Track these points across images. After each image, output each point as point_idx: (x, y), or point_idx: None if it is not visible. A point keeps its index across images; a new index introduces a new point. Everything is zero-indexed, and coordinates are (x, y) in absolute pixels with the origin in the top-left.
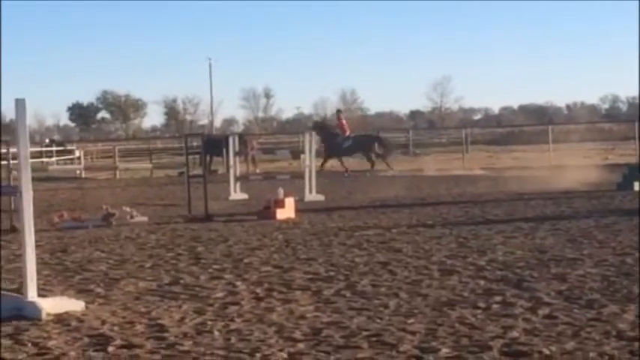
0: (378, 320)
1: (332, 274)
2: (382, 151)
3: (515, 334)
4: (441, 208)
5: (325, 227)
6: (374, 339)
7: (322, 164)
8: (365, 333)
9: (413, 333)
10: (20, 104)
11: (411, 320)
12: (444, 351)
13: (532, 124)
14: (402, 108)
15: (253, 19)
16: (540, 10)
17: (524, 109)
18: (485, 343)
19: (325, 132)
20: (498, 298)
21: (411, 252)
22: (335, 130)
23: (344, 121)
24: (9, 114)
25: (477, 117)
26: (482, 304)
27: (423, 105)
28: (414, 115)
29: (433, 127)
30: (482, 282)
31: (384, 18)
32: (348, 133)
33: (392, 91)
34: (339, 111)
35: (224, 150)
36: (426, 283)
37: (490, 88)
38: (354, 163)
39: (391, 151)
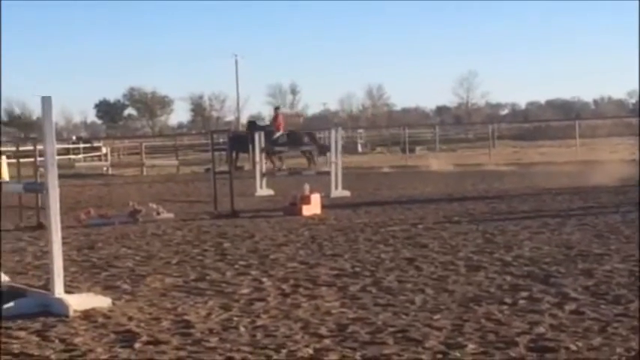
0: (404, 316)
1: (358, 270)
2: (312, 148)
3: (541, 329)
4: (467, 203)
5: (351, 223)
6: (400, 335)
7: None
8: (391, 329)
9: (439, 329)
10: (46, 101)
11: (437, 316)
12: (470, 347)
13: (559, 119)
14: (429, 103)
15: (279, 14)
16: (568, 4)
17: (551, 104)
18: (511, 338)
19: (258, 130)
20: (525, 294)
21: (438, 248)
22: (269, 127)
23: (280, 119)
24: (36, 111)
25: (504, 112)
26: (508, 300)
27: (450, 100)
28: (441, 110)
29: (460, 123)
30: (508, 278)
31: (410, 13)
32: (281, 131)
33: (418, 86)
34: (277, 108)
35: (250, 146)
36: (453, 278)
37: (517, 83)
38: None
39: (324, 150)
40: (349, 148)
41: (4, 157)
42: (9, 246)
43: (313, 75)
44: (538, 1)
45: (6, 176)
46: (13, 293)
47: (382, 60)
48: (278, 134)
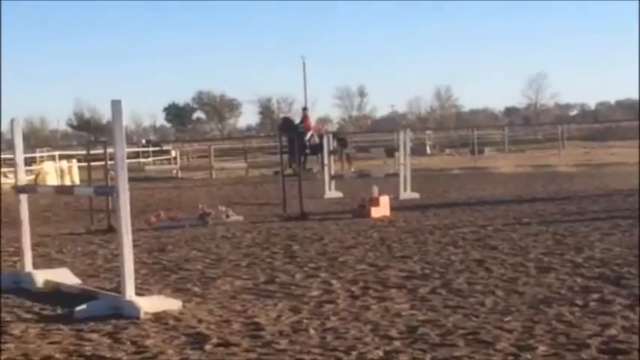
0: (474, 318)
1: (427, 272)
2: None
3: (613, 331)
4: (537, 205)
5: (420, 225)
6: (470, 337)
7: (290, 166)
8: (461, 331)
9: (509, 331)
10: (116, 105)
11: (508, 318)
12: (541, 349)
13: (629, 120)
14: (497, 105)
15: (347, 17)
16: (636, 5)
17: (621, 105)
18: (582, 341)
19: (291, 129)
20: (596, 296)
21: (507, 249)
22: (301, 128)
23: (310, 120)
24: (106, 115)
25: (573, 113)
26: (579, 302)
27: (519, 102)
28: (509, 111)
29: (528, 124)
30: (579, 279)
31: (478, 14)
32: (311, 132)
33: (487, 87)
34: (305, 109)
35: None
36: (523, 280)
37: (586, 83)
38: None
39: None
40: (418, 150)
41: (74, 161)
42: (80, 249)
43: (381, 77)
44: (607, 0)
45: (77, 180)
46: (85, 296)
47: (451, 61)
48: (309, 135)
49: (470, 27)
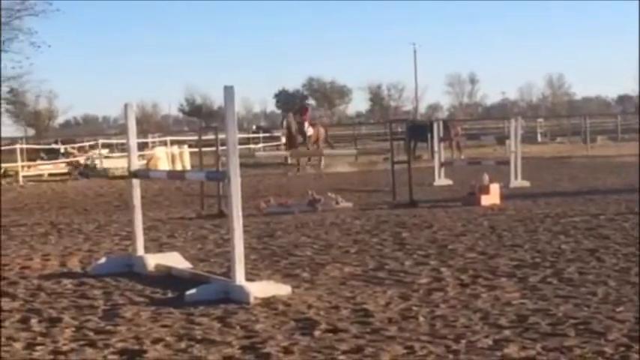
0: (586, 308)
1: (538, 260)
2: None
3: None
4: None
5: (531, 214)
6: (581, 327)
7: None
8: (572, 321)
9: (621, 321)
10: (229, 91)
11: (620, 308)
12: None
13: None
14: (610, 92)
15: (457, 3)
16: None
17: None
18: None
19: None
20: None
21: (620, 239)
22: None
23: (309, 113)
24: (217, 101)
25: None
26: None
27: (632, 89)
28: (622, 99)
29: None
30: None
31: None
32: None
33: (599, 75)
34: (306, 102)
35: (428, 136)
36: (635, 270)
37: None
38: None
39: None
40: (529, 138)
41: (185, 146)
42: (191, 234)
43: (493, 64)
44: None
45: (188, 165)
46: (196, 280)
47: (563, 48)
48: (306, 126)
49: (583, 14)
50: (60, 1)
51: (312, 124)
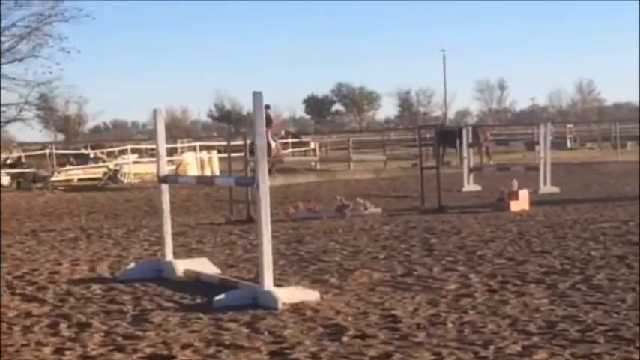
0: (615, 315)
1: (567, 267)
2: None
3: None
4: None
5: (560, 219)
6: (610, 333)
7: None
8: (601, 327)
9: None
10: (257, 97)
11: None
12: None
13: None
14: None
15: (486, 10)
16: None
17: None
18: None
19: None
20: None
21: None
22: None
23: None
24: (246, 106)
25: None
26: None
27: None
28: None
29: None
30: None
31: (620, 7)
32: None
33: (630, 81)
34: (267, 106)
35: (457, 142)
36: None
37: None
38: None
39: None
40: (558, 144)
41: (214, 152)
42: (220, 239)
43: (522, 69)
44: None
45: (217, 170)
46: (224, 285)
47: (593, 54)
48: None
49: (613, 18)
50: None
51: (275, 137)
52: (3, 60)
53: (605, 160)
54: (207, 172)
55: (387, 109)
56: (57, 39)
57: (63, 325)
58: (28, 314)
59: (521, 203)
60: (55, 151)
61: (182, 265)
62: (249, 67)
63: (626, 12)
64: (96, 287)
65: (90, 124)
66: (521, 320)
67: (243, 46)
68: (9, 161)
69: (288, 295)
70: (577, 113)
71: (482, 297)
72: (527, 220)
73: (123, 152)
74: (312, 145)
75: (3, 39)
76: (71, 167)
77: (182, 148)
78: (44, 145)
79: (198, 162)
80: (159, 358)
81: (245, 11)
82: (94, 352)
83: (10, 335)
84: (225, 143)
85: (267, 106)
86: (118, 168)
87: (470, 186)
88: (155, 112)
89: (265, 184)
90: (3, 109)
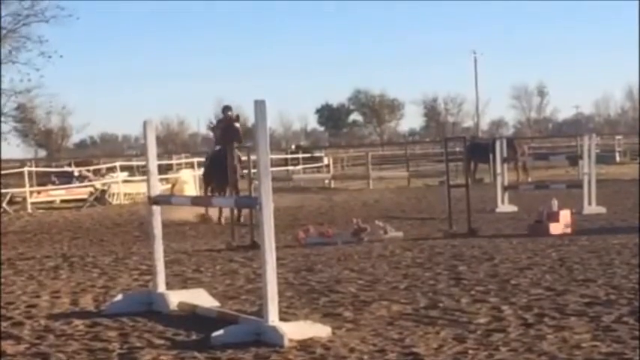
0: None
1: (613, 297)
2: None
3: None
4: None
5: (606, 244)
6: None
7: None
8: None
9: None
10: (260, 106)
11: None
12: None
13: None
14: None
15: (523, 7)
16: None
17: None
18: None
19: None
20: None
21: None
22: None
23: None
24: (251, 118)
25: None
26: None
27: None
28: None
29: None
30: None
31: None
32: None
33: None
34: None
35: (490, 156)
36: None
37: None
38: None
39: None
40: (605, 158)
41: None
42: (219, 267)
43: (564, 74)
44: None
45: None
46: (223, 320)
47: None
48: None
49: None
50: (73, 6)
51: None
52: None
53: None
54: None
55: (411, 120)
56: (36, 42)
57: None
58: (1, 354)
59: (562, 225)
60: (34, 169)
61: (176, 298)
62: (254, 71)
63: None
64: (78, 323)
65: (75, 138)
66: (559, 358)
67: (247, 48)
68: None
69: (295, 330)
70: (627, 123)
71: (515, 332)
72: (569, 245)
73: (111, 170)
74: (325, 161)
75: None
76: (53, 187)
77: (178, 164)
78: (22, 162)
79: (196, 180)
80: None
81: (247, 10)
82: None
83: None
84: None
85: (228, 108)
86: (105, 188)
87: (504, 206)
88: (145, 123)
89: (269, 204)
90: None
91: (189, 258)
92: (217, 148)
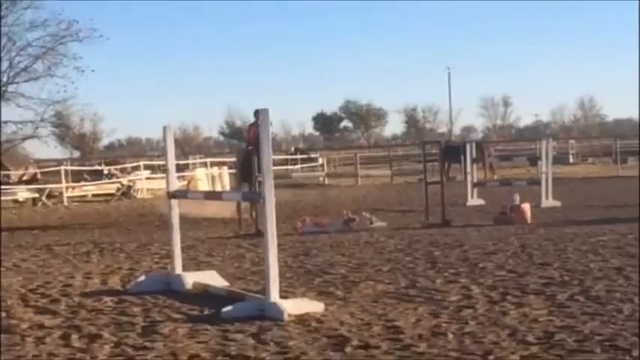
0: (612, 325)
1: (566, 278)
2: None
3: None
4: None
5: (561, 233)
6: (607, 344)
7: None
8: (598, 337)
9: None
10: (264, 114)
11: None
12: None
13: None
14: None
15: (490, 27)
16: None
17: None
18: None
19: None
20: None
21: None
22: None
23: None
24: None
25: None
26: None
27: None
28: None
29: None
30: None
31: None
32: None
33: (631, 97)
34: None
35: (462, 157)
36: None
37: None
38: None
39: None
40: (560, 159)
41: (225, 168)
42: (228, 252)
43: (525, 86)
44: None
45: (227, 186)
46: (232, 297)
47: (595, 71)
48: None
49: (614, 36)
50: (103, 27)
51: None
52: (19, 79)
53: (606, 174)
54: (218, 188)
55: (393, 126)
56: (71, 58)
57: (74, 337)
58: (41, 326)
59: (523, 217)
60: (70, 168)
61: (191, 278)
62: (260, 85)
63: (627, 30)
64: (107, 299)
65: (104, 141)
66: (520, 331)
67: (253, 63)
68: (25, 177)
69: (294, 306)
70: (579, 129)
71: (483, 308)
72: (529, 234)
73: (136, 168)
74: (320, 161)
75: (19, 58)
76: (86, 183)
77: (194, 164)
78: (59, 162)
79: (209, 178)
80: None
81: (256, 29)
82: None
83: (22, 347)
84: (235, 159)
85: (258, 112)
86: (131, 184)
87: (474, 200)
88: (165, 129)
89: (271, 199)
90: (19, 126)
91: (203, 244)
92: (250, 147)
